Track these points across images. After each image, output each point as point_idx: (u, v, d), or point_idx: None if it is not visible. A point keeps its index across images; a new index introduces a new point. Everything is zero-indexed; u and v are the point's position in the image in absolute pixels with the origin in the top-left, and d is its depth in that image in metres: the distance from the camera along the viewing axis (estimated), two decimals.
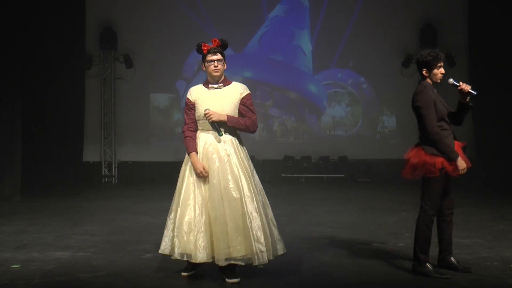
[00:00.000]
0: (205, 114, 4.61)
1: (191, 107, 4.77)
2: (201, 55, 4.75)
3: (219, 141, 4.67)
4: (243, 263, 4.52)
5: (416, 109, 4.80)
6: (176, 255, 4.58)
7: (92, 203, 9.73)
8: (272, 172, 13.27)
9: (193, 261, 4.53)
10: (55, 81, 11.89)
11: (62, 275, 4.86)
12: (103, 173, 13.59)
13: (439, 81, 4.86)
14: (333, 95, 13.71)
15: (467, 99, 4.85)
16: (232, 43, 13.71)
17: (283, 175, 13.32)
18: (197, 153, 4.67)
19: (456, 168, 4.68)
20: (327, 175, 13.09)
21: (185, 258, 4.57)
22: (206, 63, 4.69)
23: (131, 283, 4.68)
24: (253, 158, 13.19)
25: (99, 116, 13.60)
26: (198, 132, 4.78)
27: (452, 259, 4.90)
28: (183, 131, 4.83)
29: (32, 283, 4.63)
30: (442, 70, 4.82)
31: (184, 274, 4.77)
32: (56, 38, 11.87)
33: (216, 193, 4.53)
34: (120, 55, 13.35)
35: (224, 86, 4.75)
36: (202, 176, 4.59)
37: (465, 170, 4.73)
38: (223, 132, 4.66)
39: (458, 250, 5.64)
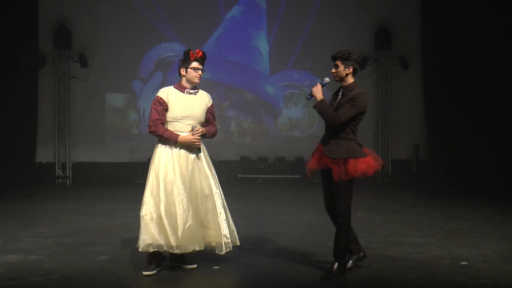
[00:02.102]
0: (195, 131, 4.91)
1: (164, 106, 4.93)
2: (184, 60, 5.02)
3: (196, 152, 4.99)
4: (218, 252, 4.92)
5: None
6: (175, 250, 4.74)
7: (45, 204, 9.55)
8: (229, 173, 13.27)
9: (169, 251, 4.79)
10: (7, 79, 11.66)
11: (12, 279, 4.75)
12: (57, 174, 13.33)
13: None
14: (290, 96, 13.81)
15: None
16: (189, 43, 13.80)
17: (239, 176, 13.33)
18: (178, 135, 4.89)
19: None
20: (283, 176, 13.18)
21: (189, 250, 4.77)
22: (189, 69, 5.00)
23: (85, 286, 4.62)
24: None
25: (53, 116, 13.33)
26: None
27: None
28: (151, 126, 4.92)
29: None
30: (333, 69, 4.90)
31: (146, 273, 4.81)
32: (8, 35, 11.63)
33: (193, 190, 4.89)
34: (75, 54, 13.13)
35: (197, 93, 5.10)
36: (199, 143, 4.91)
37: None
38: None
39: (410, 249, 5.81)
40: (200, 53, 5.05)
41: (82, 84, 13.24)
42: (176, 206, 4.76)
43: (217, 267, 5.09)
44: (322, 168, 4.79)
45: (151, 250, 4.74)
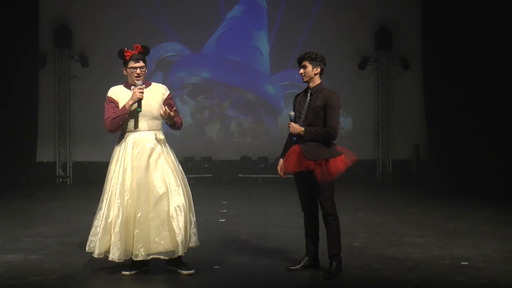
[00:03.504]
0: (140, 88, 4.73)
1: (115, 104, 4.83)
2: (122, 61, 4.91)
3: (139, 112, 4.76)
4: (166, 257, 4.68)
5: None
6: (97, 255, 4.69)
7: (46, 204, 9.55)
8: (229, 173, 13.29)
9: (111, 260, 4.63)
10: (7, 79, 11.66)
11: (13, 278, 4.75)
12: (57, 174, 13.35)
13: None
14: (290, 96, 13.79)
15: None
16: (190, 43, 13.83)
17: (240, 175, 13.34)
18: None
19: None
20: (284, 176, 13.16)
21: (110, 259, 4.63)
22: (128, 69, 4.87)
23: (85, 285, 4.64)
24: (210, 158, 13.28)
25: (54, 116, 13.35)
26: (123, 135, 4.86)
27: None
28: (105, 121, 4.81)
29: None
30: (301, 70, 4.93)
31: (125, 273, 4.79)
32: (8, 35, 11.63)
33: (144, 191, 4.67)
34: (76, 54, 13.15)
35: (145, 88, 4.85)
36: (142, 91, 4.72)
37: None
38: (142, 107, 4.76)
39: (410, 248, 5.80)
40: (138, 47, 4.87)
41: (83, 84, 13.25)
42: (111, 212, 4.67)
43: (218, 267, 5.08)
44: (302, 171, 4.80)
45: (102, 257, 4.70)
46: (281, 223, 7.45)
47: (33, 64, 12.73)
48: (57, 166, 13.40)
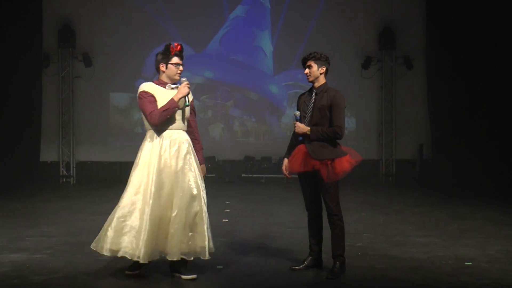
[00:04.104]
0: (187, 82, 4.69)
1: (153, 97, 4.69)
2: (164, 55, 4.76)
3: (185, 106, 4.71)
4: (191, 258, 4.62)
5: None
6: (121, 253, 4.57)
7: (49, 203, 9.56)
8: (233, 173, 13.30)
9: (136, 260, 4.54)
10: (11, 79, 11.68)
11: (16, 278, 4.75)
12: (61, 173, 13.38)
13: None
14: (294, 96, 13.79)
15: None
16: (193, 43, 13.82)
17: (243, 175, 13.35)
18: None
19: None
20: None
21: (135, 258, 4.54)
22: (169, 64, 4.74)
23: (89, 285, 4.63)
24: (213, 158, 13.28)
25: (57, 115, 13.38)
26: (158, 133, 4.69)
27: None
28: (151, 114, 4.63)
29: None
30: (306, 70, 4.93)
31: (128, 272, 4.75)
32: (12, 35, 11.65)
33: (180, 191, 4.59)
34: (79, 54, 13.17)
35: (175, 89, 4.79)
36: (189, 86, 4.69)
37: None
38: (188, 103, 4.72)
39: (414, 249, 5.80)
40: (179, 46, 4.78)
41: (86, 84, 13.27)
42: (136, 211, 4.58)
43: (221, 267, 5.08)
44: (308, 171, 4.79)
45: (119, 256, 4.59)
46: (284, 223, 7.46)
47: (36, 64, 12.74)
48: (61, 166, 13.42)
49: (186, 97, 4.68)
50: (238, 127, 13.94)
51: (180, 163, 4.63)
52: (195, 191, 4.63)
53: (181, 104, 4.68)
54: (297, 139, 4.90)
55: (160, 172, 4.59)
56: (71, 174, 13.41)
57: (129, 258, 4.58)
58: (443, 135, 12.67)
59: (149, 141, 4.73)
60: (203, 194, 4.71)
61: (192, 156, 4.74)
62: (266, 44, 13.74)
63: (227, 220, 7.76)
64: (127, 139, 13.49)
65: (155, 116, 4.62)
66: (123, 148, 13.33)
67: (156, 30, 13.26)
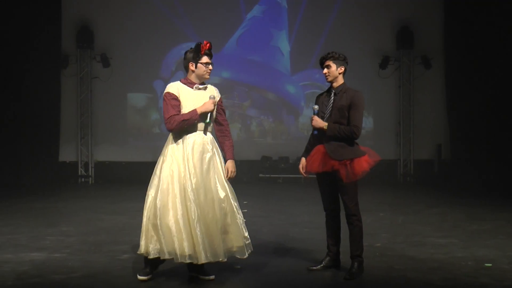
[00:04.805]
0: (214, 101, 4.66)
1: (178, 100, 4.64)
2: (194, 54, 4.67)
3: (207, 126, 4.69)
4: (224, 259, 4.55)
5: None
6: (167, 256, 4.48)
7: (68, 203, 9.64)
8: (250, 173, 13.31)
9: (181, 261, 4.49)
10: (31, 80, 11.80)
11: (37, 276, 4.81)
12: (79, 173, 13.49)
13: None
14: (311, 96, 13.77)
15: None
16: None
17: (260, 175, 13.36)
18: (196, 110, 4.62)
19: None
20: (304, 176, 13.12)
21: (179, 260, 4.47)
22: (199, 64, 4.66)
23: (107, 284, 4.66)
24: None
25: (76, 116, 13.49)
26: (182, 134, 4.64)
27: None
28: (168, 122, 4.61)
29: (5, 285, 4.58)
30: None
31: (142, 278, 4.65)
32: (32, 36, 11.77)
33: (204, 193, 4.54)
34: (97, 54, 13.27)
35: (203, 90, 4.75)
36: (215, 105, 4.67)
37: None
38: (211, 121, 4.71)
39: (433, 250, 5.77)
40: (208, 44, 4.67)
41: (104, 84, 13.37)
42: (187, 212, 4.47)
43: (239, 266, 5.09)
44: (327, 171, 4.78)
45: (163, 257, 4.50)
46: (302, 223, 7.46)
47: (55, 65, 12.88)
48: (79, 166, 13.53)
49: (210, 114, 4.65)
50: (255, 127, 13.95)
51: (205, 166, 4.60)
52: (222, 194, 4.61)
53: (202, 117, 4.64)
54: (313, 133, 4.90)
55: (187, 175, 4.52)
56: (90, 174, 13.52)
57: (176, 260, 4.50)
58: (462, 135, 12.57)
59: (173, 142, 4.68)
60: (231, 194, 4.67)
61: (217, 157, 4.70)
62: (283, 44, 13.74)
63: (244, 220, 7.74)
64: (145, 139, 13.58)
65: (173, 122, 4.58)
66: (141, 148, 13.42)
67: (173, 31, 13.32)
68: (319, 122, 4.82)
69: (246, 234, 4.68)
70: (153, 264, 4.68)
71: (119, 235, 6.60)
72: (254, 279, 4.80)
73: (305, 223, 7.46)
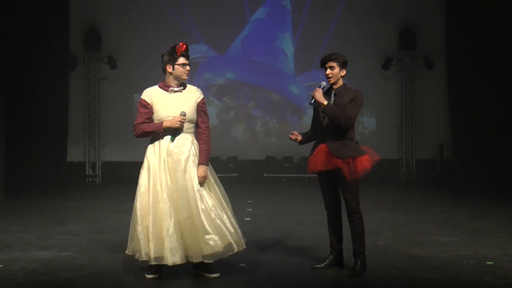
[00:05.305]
0: (182, 119, 4.64)
1: (148, 108, 4.72)
2: (170, 56, 4.72)
3: (170, 143, 4.68)
4: (216, 259, 4.63)
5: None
6: (143, 257, 4.59)
7: (76, 202, 9.72)
8: (254, 172, 13.37)
9: (166, 264, 4.54)
10: (39, 81, 11.85)
11: (45, 274, 4.88)
12: (87, 173, 13.58)
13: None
14: None
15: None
16: (216, 45, 13.96)
17: (265, 175, 13.41)
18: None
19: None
20: (308, 175, 13.19)
21: (162, 262, 4.56)
22: (176, 65, 4.70)
23: (114, 282, 4.72)
24: (235, 158, 13.38)
25: (83, 117, 13.58)
26: (162, 136, 4.70)
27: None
28: (134, 130, 4.75)
29: (14, 283, 4.64)
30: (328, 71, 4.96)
31: (149, 276, 4.73)
32: (40, 38, 11.84)
33: (184, 194, 4.58)
34: (104, 56, 13.34)
35: (183, 90, 4.78)
36: (183, 122, 4.64)
37: None
38: (176, 139, 4.69)
39: (435, 248, 5.80)
40: (184, 46, 4.70)
41: (111, 85, 13.44)
42: (159, 216, 4.54)
43: (243, 265, 5.13)
44: (329, 169, 4.83)
45: (140, 258, 4.61)
46: (305, 222, 7.49)
47: (63, 67, 12.94)
48: (87, 166, 13.62)
49: (174, 136, 4.65)
50: (259, 127, 14.02)
51: (182, 166, 4.61)
52: (200, 194, 4.61)
53: (168, 131, 4.65)
54: (309, 102, 4.96)
55: (163, 176, 4.60)
56: (97, 173, 13.61)
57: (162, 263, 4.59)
58: (464, 135, 12.60)
59: (151, 145, 4.78)
60: (213, 193, 4.71)
61: (196, 158, 4.71)
62: (287, 45, 13.79)
63: (249, 219, 7.80)
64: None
65: (138, 131, 4.72)
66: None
67: (179, 33, 13.36)
68: (322, 97, 4.86)
69: (233, 230, 4.66)
70: (157, 266, 4.71)
71: (126, 234, 6.56)
72: (258, 277, 4.84)
73: (308, 222, 7.49)
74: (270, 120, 14.01)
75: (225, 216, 4.70)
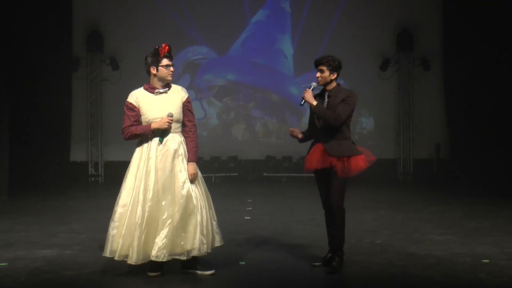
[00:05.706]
0: (170, 119, 4.66)
1: (135, 111, 4.76)
2: (154, 58, 4.79)
3: (159, 145, 4.71)
4: (185, 257, 4.63)
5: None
6: (117, 257, 4.64)
7: (79, 202, 9.76)
8: (254, 172, 13.44)
9: (129, 263, 4.59)
10: (42, 82, 11.87)
11: (49, 272, 4.91)
12: (89, 173, 13.66)
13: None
14: (314, 97, 13.86)
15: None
16: (216, 46, 14.05)
17: (265, 174, 13.48)
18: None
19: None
20: (307, 175, 13.26)
21: (128, 260, 4.60)
22: (160, 67, 4.74)
23: (117, 280, 4.75)
24: (235, 158, 13.46)
25: (86, 117, 13.66)
26: (149, 136, 4.73)
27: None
28: (122, 133, 4.79)
29: (18, 280, 4.67)
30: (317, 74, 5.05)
31: (151, 274, 4.73)
32: (43, 40, 11.88)
33: (169, 193, 4.63)
34: (107, 58, 13.42)
35: (168, 90, 4.81)
36: (170, 123, 4.66)
37: None
38: (164, 140, 4.71)
39: (432, 246, 5.83)
40: (167, 47, 4.76)
41: (114, 86, 13.47)
42: (132, 214, 4.60)
43: (243, 263, 5.17)
44: (325, 168, 4.90)
45: (116, 258, 4.62)
46: (305, 221, 7.52)
47: (66, 68, 13.00)
48: (90, 166, 13.70)
49: (163, 137, 4.68)
50: (259, 127, 14.09)
51: (168, 166, 4.64)
52: (184, 192, 4.62)
53: (157, 132, 4.67)
54: (299, 103, 5.08)
55: (147, 175, 4.64)
56: (100, 173, 13.69)
57: (120, 260, 4.64)
58: (460, 135, 12.65)
59: (138, 145, 4.81)
60: (197, 194, 4.69)
61: (184, 158, 4.73)
62: (287, 47, 13.87)
63: (249, 217, 7.86)
64: None
65: (127, 133, 4.76)
66: None
67: (180, 35, 13.45)
68: (310, 97, 4.97)
69: (205, 231, 4.64)
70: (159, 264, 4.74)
71: None
72: (257, 275, 4.87)
73: (308, 220, 7.52)
74: (270, 121, 14.09)
75: (207, 215, 4.73)
